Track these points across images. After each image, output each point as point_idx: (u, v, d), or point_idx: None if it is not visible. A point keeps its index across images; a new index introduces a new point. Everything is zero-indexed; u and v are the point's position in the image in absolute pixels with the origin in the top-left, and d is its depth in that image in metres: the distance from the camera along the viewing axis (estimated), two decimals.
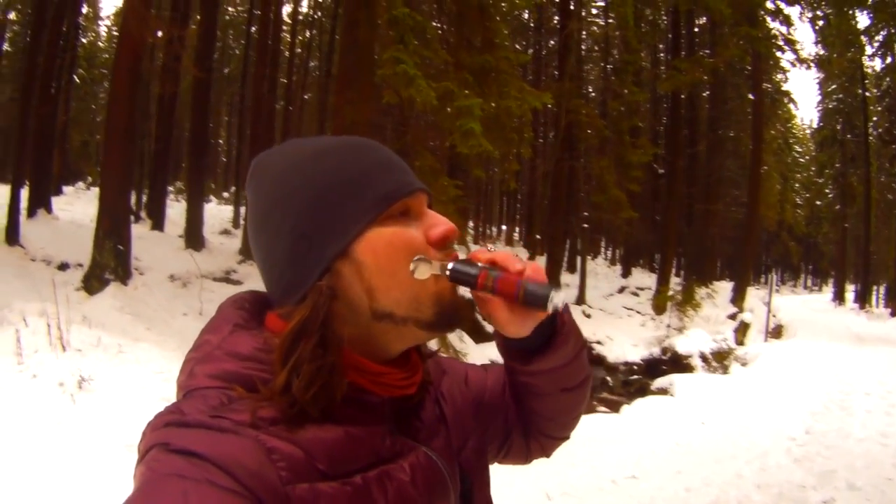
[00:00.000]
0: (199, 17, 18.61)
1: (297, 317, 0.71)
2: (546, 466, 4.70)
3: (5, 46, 23.83)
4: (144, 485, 0.61)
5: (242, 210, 17.48)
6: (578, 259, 20.93)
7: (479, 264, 0.76)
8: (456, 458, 0.86)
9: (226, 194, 38.36)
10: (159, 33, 10.68)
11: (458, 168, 12.72)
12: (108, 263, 9.48)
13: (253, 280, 12.24)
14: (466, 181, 14.98)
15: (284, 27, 25.86)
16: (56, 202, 17.44)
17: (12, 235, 11.36)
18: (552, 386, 0.90)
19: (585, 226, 20.21)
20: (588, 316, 16.59)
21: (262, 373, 0.70)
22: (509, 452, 1.01)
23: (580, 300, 17.77)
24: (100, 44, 37.59)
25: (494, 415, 0.96)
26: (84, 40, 30.65)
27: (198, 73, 15.35)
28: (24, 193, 12.98)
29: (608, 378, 12.81)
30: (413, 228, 0.76)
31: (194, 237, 15.14)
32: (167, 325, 9.24)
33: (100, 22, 38.48)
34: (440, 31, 9.63)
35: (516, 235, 37.31)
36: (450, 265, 0.74)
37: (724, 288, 22.14)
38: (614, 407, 8.94)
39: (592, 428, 6.67)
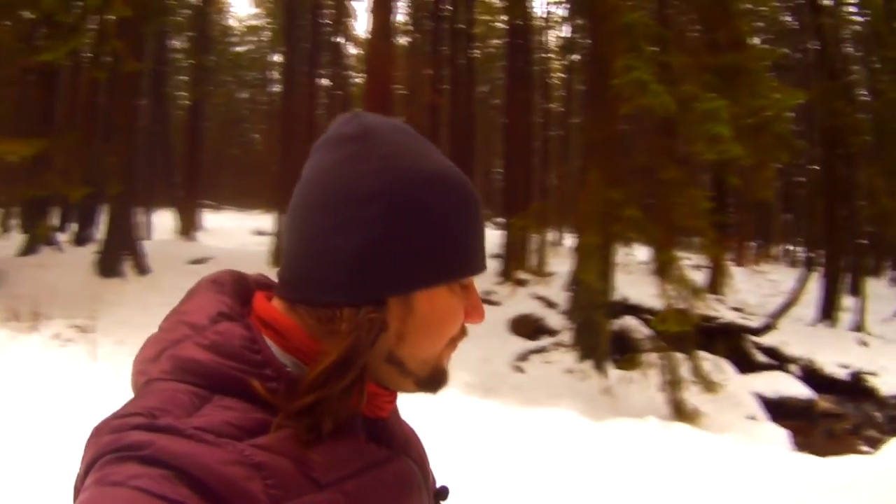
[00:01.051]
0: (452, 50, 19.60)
1: (346, 341, 0.65)
2: None
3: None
4: None
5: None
6: (856, 279, 18.49)
7: None
8: (427, 470, 0.84)
9: None
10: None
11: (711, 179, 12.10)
12: None
13: (511, 301, 12.49)
14: (721, 193, 14.18)
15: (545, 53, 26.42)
16: None
17: None
18: None
19: (863, 242, 17.91)
20: (865, 344, 14.57)
21: (247, 376, 0.64)
22: None
23: (859, 327, 15.63)
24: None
25: None
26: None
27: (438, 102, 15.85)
28: None
29: (876, 413, 11.10)
30: (462, 303, 0.73)
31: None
32: None
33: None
34: (678, 35, 9.36)
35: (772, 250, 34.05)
36: None
37: None
38: (875, 445, 7.81)
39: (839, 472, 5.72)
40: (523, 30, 17.24)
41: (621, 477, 5.00)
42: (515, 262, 13.45)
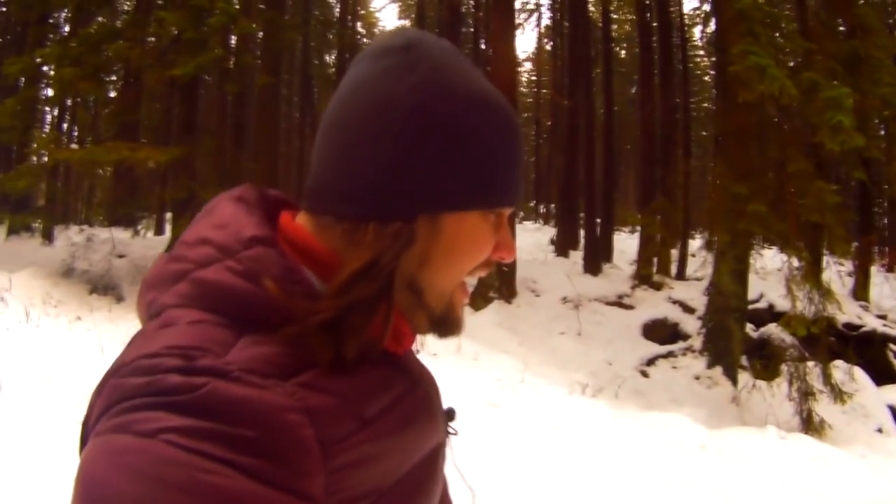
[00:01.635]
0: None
1: (371, 250, 0.62)
2: None
3: None
4: (133, 474, 0.47)
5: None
6: None
7: None
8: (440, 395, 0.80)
9: None
10: None
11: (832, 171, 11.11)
12: (493, 283, 10.29)
13: (646, 305, 12.16)
14: (864, 192, 13.04)
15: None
16: None
17: None
18: None
19: None
20: None
21: (290, 308, 0.59)
22: None
23: None
24: None
25: None
26: None
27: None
28: None
29: None
30: (491, 234, 0.70)
31: (592, 262, 15.21)
32: (541, 342, 9.84)
33: None
34: (799, 20, 8.73)
35: None
36: None
37: None
38: None
39: None
40: (664, 26, 16.85)
41: (717, 486, 4.76)
42: (649, 264, 12.96)
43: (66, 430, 3.96)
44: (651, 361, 9.70)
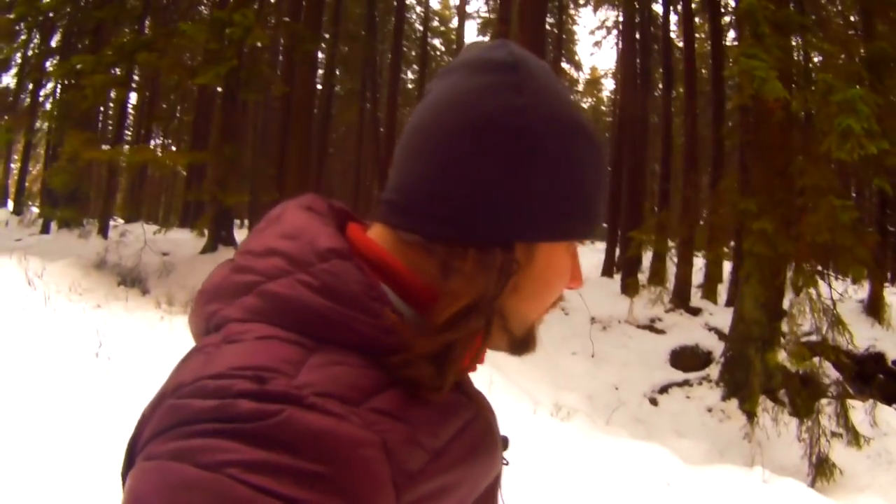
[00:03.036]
0: None
1: (477, 282, 0.59)
2: None
3: None
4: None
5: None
6: None
7: None
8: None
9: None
10: None
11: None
12: None
13: (678, 330, 11.64)
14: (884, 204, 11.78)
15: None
16: None
17: None
18: None
19: None
20: None
21: (366, 327, 0.56)
22: None
23: None
24: None
25: None
26: None
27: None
28: None
29: None
30: (569, 264, 0.69)
31: (629, 283, 14.74)
32: (547, 359, 9.43)
33: None
34: (821, 21, 7.93)
35: None
36: None
37: None
38: None
39: None
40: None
41: None
42: (686, 287, 12.21)
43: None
44: (664, 389, 9.07)
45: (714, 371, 9.14)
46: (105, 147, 11.07)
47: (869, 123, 6.06)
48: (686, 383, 9.12)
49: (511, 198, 0.60)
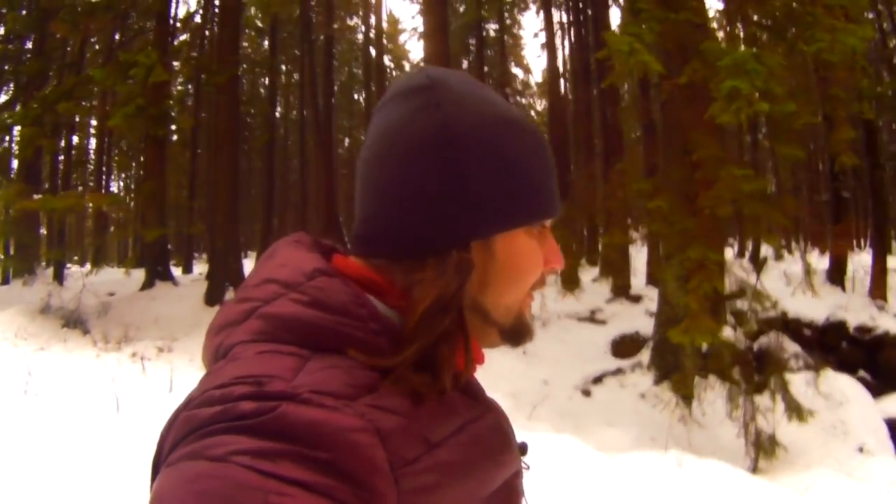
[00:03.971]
0: None
1: (436, 285, 0.63)
2: None
3: None
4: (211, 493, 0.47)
5: None
6: None
7: None
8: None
9: None
10: None
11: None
12: None
13: (619, 320, 11.51)
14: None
15: None
16: None
17: None
18: None
19: None
20: None
21: (356, 331, 0.61)
22: None
23: None
24: None
25: None
26: None
27: None
28: None
29: None
30: (539, 248, 0.71)
31: (569, 276, 14.89)
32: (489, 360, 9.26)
33: None
34: None
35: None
36: None
37: None
38: None
39: None
40: None
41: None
42: (619, 275, 12.01)
43: None
44: (598, 379, 8.80)
45: (646, 356, 8.92)
46: (36, 196, 11.11)
47: (767, 84, 5.89)
48: (619, 371, 8.89)
49: (453, 205, 0.64)
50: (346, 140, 35.17)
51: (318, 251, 0.71)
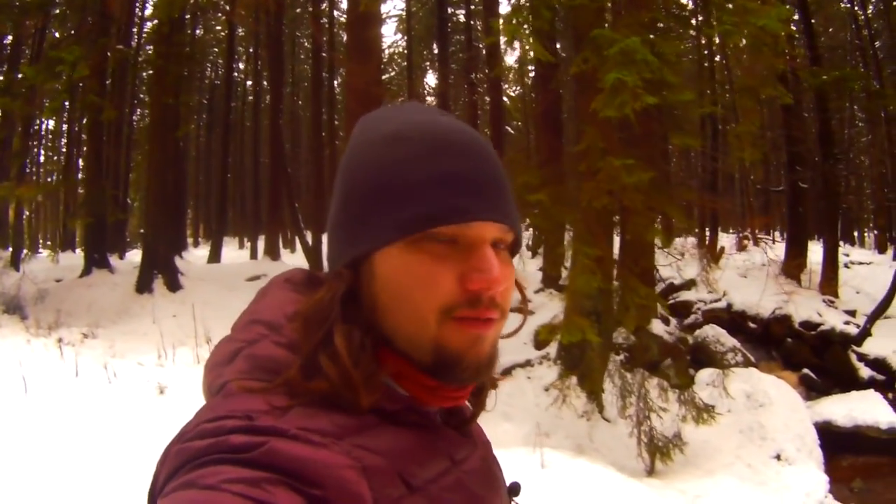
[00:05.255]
0: None
1: (316, 297, 0.66)
2: None
3: None
4: None
5: None
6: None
7: None
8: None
9: None
10: None
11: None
12: None
13: (546, 310, 11.28)
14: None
15: None
16: None
17: None
18: None
19: None
20: None
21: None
22: None
23: None
24: None
25: None
26: None
27: None
28: None
29: None
30: (450, 264, 0.65)
31: None
32: None
33: None
34: None
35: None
36: None
37: None
38: None
39: None
40: None
41: None
42: (554, 266, 11.81)
43: None
44: (508, 371, 8.60)
45: (553, 349, 8.73)
46: None
47: (660, 73, 5.66)
48: (528, 364, 8.72)
49: (333, 230, 0.70)
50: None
51: (308, 287, 0.73)
